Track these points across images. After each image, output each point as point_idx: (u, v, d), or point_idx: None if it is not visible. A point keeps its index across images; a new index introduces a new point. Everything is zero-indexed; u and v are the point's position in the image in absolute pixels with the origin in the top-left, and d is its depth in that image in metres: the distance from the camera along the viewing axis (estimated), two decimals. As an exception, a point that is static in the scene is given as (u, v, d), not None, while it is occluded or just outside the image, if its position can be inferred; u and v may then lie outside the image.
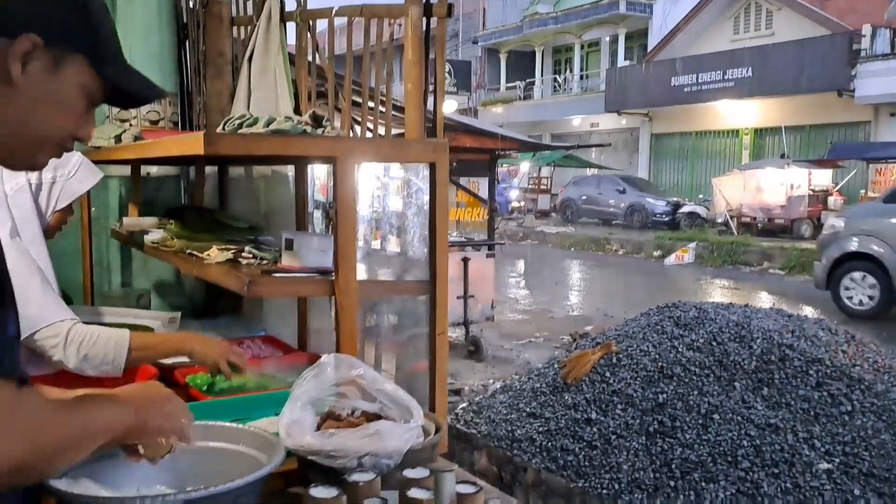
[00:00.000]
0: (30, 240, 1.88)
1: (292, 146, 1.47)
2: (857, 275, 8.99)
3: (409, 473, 1.24)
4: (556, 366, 5.35)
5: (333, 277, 1.63)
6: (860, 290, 9.04)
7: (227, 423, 1.53)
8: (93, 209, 3.06)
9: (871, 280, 8.81)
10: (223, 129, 1.57)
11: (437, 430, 1.55)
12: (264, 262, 1.86)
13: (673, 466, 4.05)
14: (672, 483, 3.96)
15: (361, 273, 1.71)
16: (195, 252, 1.98)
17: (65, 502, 1.22)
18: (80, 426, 1.03)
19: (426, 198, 2.54)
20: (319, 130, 1.59)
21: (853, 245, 8.86)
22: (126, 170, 2.99)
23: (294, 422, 1.45)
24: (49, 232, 1.97)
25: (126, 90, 1.11)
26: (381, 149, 1.61)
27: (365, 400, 1.59)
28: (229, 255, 1.90)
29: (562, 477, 4.30)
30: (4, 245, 1.83)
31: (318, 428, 1.53)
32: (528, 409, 4.97)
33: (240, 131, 1.54)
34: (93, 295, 2.81)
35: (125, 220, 2.56)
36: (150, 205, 2.99)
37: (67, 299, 2.05)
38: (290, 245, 1.80)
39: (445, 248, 1.73)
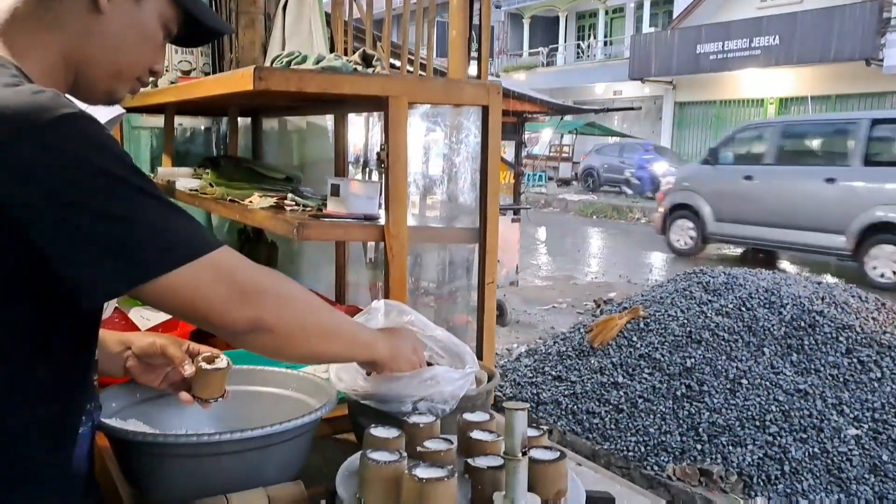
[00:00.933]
0: None
1: (344, 84, 1.43)
2: (681, 221, 11.29)
3: (470, 417, 1.22)
4: (582, 330, 5.32)
5: (382, 223, 1.60)
6: (684, 234, 11.35)
7: (276, 368, 1.51)
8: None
9: (690, 224, 11.14)
10: (271, 66, 1.52)
11: (490, 379, 1.52)
12: (308, 209, 1.83)
13: (700, 430, 4.03)
14: (699, 446, 3.94)
15: (409, 220, 1.67)
16: (236, 199, 1.95)
17: (115, 439, 1.21)
18: (336, 325, 1.14)
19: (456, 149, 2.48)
20: (370, 70, 1.54)
21: (679, 198, 11.21)
22: (158, 121, 2.96)
23: (345, 367, 1.42)
24: None
25: (198, 18, 1.10)
26: (434, 89, 1.56)
27: (415, 348, 1.56)
28: (272, 201, 1.86)
29: (587, 439, 4.29)
30: None
31: (368, 375, 1.51)
32: (553, 373, 4.96)
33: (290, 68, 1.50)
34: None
35: (160, 169, 2.53)
36: (181, 157, 2.96)
37: None
38: (335, 191, 1.76)
39: (497, 195, 1.69)
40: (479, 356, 1.73)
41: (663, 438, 4.05)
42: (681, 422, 4.13)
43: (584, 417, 4.43)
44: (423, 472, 0.98)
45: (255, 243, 2.83)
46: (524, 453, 0.98)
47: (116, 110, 1.96)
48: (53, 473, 0.99)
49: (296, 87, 1.37)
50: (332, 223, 1.59)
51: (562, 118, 10.41)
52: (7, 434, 0.93)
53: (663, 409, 4.24)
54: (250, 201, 1.90)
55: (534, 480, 1.04)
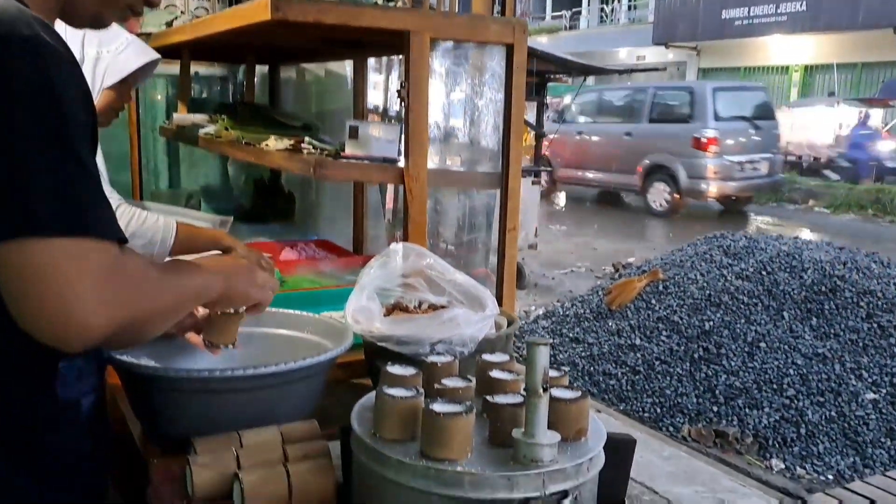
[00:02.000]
0: None
1: (364, 17, 1.38)
2: None
3: (490, 357, 1.19)
4: (600, 293, 5.29)
5: (402, 165, 1.56)
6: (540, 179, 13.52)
7: (293, 311, 1.49)
8: (140, 110, 3.01)
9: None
10: (289, -1, 1.47)
11: (510, 324, 1.49)
12: (325, 152, 1.79)
13: (717, 392, 4.00)
14: (715, 408, 3.92)
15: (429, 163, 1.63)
16: (252, 142, 1.91)
17: (126, 373, 1.19)
18: (176, 290, 1.00)
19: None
20: (391, 4, 1.49)
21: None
22: (174, 68, 2.91)
23: (361, 309, 1.39)
24: (101, 115, 1.88)
25: None
26: (457, 25, 1.50)
27: (433, 293, 1.53)
28: (287, 144, 1.83)
29: (603, 401, 4.28)
30: None
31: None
32: (570, 335, 4.94)
33: (307, 2, 1.45)
34: (142, 196, 2.77)
35: (175, 115, 2.49)
36: (198, 105, 2.91)
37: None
38: (354, 133, 1.71)
39: (520, 138, 1.64)
40: (500, 303, 1.70)
41: (679, 400, 4.03)
42: (697, 384, 4.11)
43: (601, 379, 4.42)
44: (440, 406, 0.96)
45: (271, 194, 2.80)
46: (545, 389, 0.94)
47: (150, 55, 1.88)
48: (38, 407, 0.96)
49: (314, 17, 1.32)
50: (350, 164, 1.56)
51: (584, 80, 10.25)
52: None
53: (680, 372, 4.21)
54: (266, 144, 1.87)
55: (555, 418, 1.01)
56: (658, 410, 4.02)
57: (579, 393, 1.05)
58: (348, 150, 1.74)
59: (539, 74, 6.90)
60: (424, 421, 0.95)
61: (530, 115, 7.55)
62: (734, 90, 13.01)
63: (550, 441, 0.95)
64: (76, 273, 0.81)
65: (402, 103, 1.49)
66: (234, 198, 3.08)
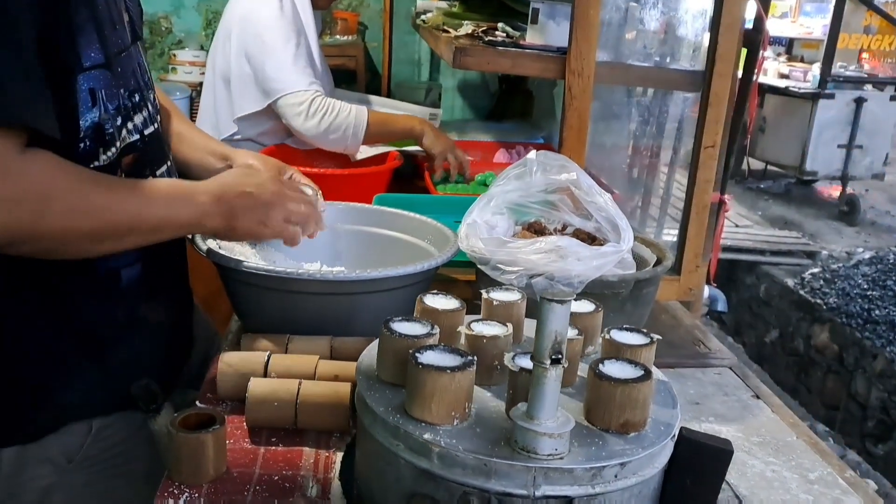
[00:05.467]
0: (301, 4, 1.84)
1: None
2: None
3: (576, 307, 0.94)
4: (950, 244, 4.25)
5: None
6: None
7: (415, 215, 1.35)
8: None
9: None
10: None
11: (658, 264, 1.18)
12: (511, 39, 1.58)
13: None
14: None
15: (605, 55, 1.34)
16: (449, 28, 1.78)
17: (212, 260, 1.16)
18: (120, 214, 0.90)
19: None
20: None
21: None
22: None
23: (476, 222, 1.20)
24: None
25: None
26: None
27: (580, 216, 1.27)
28: (474, 29, 1.66)
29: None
30: (269, 3, 1.81)
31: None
32: (896, 289, 4.08)
33: None
34: (389, 86, 2.79)
35: (419, 2, 2.42)
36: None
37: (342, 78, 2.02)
38: (535, 16, 1.47)
39: (736, 27, 1.26)
40: (683, 241, 1.37)
41: None
42: None
43: (924, 348, 3.59)
44: (431, 356, 0.76)
45: (510, 92, 2.64)
46: (555, 360, 0.70)
47: None
48: (75, 273, 0.96)
49: None
50: (499, 52, 1.33)
51: None
52: None
53: None
54: (458, 30, 1.72)
55: (595, 401, 0.76)
56: None
57: (641, 372, 0.77)
58: (528, 38, 1.51)
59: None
60: (408, 370, 0.77)
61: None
62: None
63: (553, 429, 0.71)
64: None
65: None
66: (488, 96, 2.96)
